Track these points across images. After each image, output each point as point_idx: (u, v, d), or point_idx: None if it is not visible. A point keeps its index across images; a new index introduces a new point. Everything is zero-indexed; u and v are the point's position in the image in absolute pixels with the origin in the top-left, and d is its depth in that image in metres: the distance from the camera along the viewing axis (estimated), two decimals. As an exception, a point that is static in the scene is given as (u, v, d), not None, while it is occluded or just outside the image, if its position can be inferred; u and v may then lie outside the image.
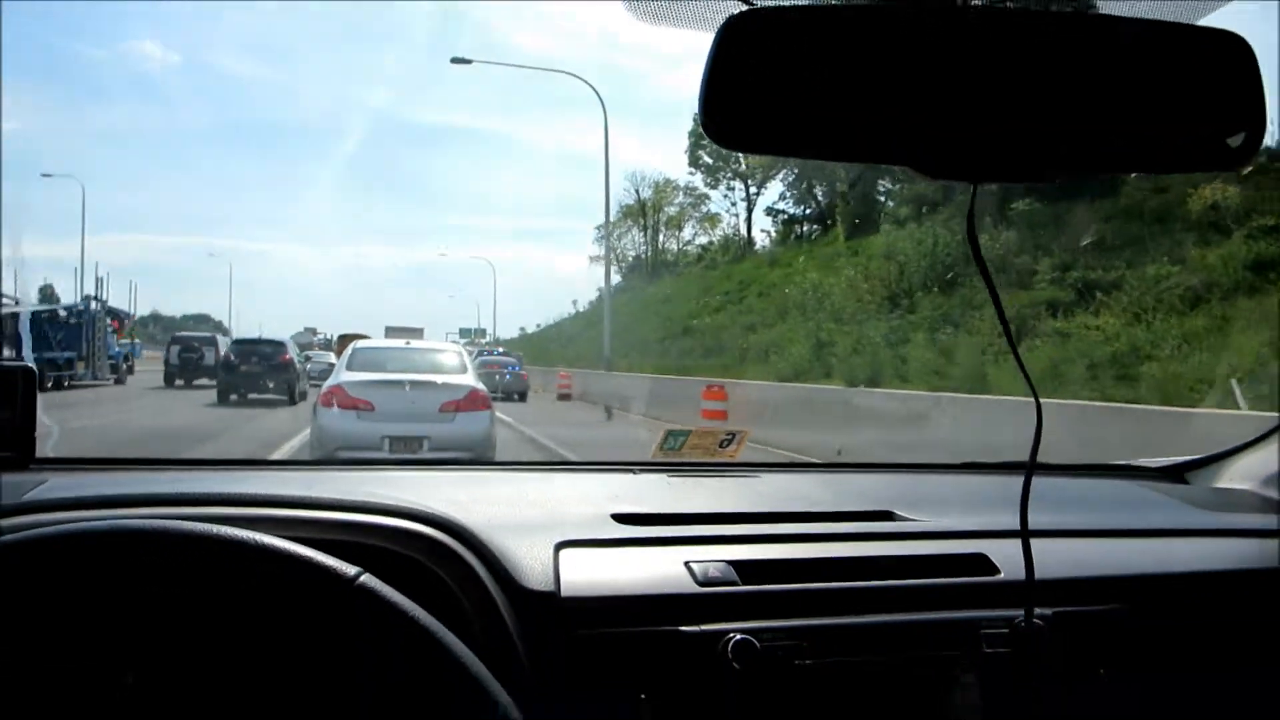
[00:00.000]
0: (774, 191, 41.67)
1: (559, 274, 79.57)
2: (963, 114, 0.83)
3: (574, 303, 57.04)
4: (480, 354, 31.92)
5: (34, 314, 21.84)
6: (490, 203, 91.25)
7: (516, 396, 25.31)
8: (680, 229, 56.84)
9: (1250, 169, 13.47)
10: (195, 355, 22.99)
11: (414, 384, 8.87)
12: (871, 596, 1.25)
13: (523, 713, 0.85)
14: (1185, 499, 1.71)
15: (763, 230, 42.38)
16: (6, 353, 13.75)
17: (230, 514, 1.16)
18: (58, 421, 12.00)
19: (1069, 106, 0.84)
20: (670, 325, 29.60)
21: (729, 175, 43.34)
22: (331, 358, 15.89)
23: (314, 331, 43.12)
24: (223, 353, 20.46)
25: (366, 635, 0.88)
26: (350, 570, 0.90)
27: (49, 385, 19.95)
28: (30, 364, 1.32)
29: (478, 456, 8.38)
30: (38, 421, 1.28)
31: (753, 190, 43.40)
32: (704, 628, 1.17)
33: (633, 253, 54.35)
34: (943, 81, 0.83)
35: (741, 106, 0.82)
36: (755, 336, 21.17)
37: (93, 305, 23.96)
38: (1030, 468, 1.10)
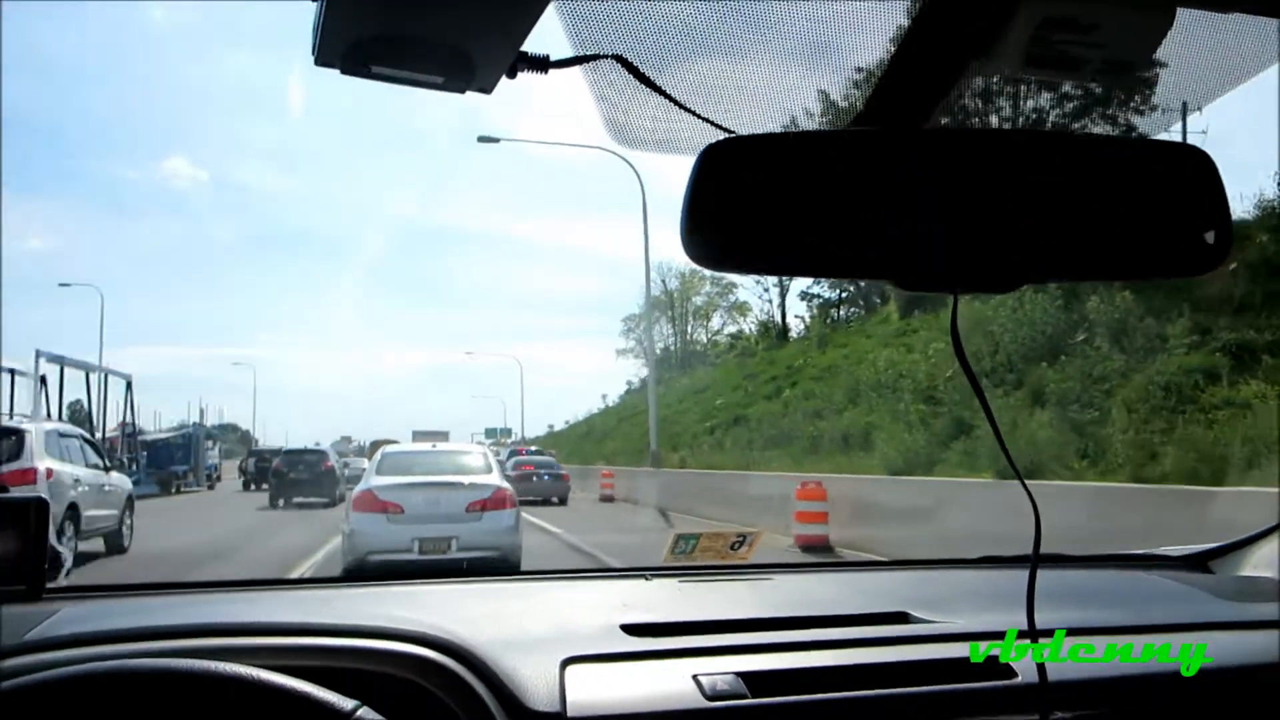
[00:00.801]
0: (808, 275, 40.13)
1: (583, 371, 79.48)
2: (938, 229, 0.84)
3: (603, 397, 55.96)
4: (513, 454, 29.67)
5: (162, 438, 29.07)
6: (513, 303, 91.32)
7: (556, 500, 23.01)
8: (708, 319, 55.92)
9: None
10: (268, 465, 26.08)
11: (441, 485, 9.01)
12: (885, 706, 1.22)
13: None
14: (1209, 589, 1.67)
15: (796, 316, 40.95)
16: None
17: (237, 644, 1.18)
18: (183, 512, 18.69)
19: (1040, 219, 0.86)
20: (718, 415, 27.44)
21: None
22: (365, 463, 16.37)
23: (349, 440, 47.30)
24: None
25: None
26: (348, 705, 0.94)
27: (173, 491, 25.72)
28: (45, 495, 1.31)
29: (505, 553, 8.67)
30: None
31: (785, 276, 42.07)
32: None
33: (661, 344, 53.29)
34: (916, 199, 0.84)
35: (722, 228, 0.84)
36: (825, 423, 18.95)
37: (197, 429, 31.04)
38: (1034, 565, 1.08)
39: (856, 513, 11.28)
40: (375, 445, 20.42)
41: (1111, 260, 0.89)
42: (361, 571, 8.24)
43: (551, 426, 58.16)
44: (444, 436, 31.45)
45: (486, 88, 1.01)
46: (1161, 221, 0.87)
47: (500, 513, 8.98)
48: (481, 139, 24.85)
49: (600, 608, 1.44)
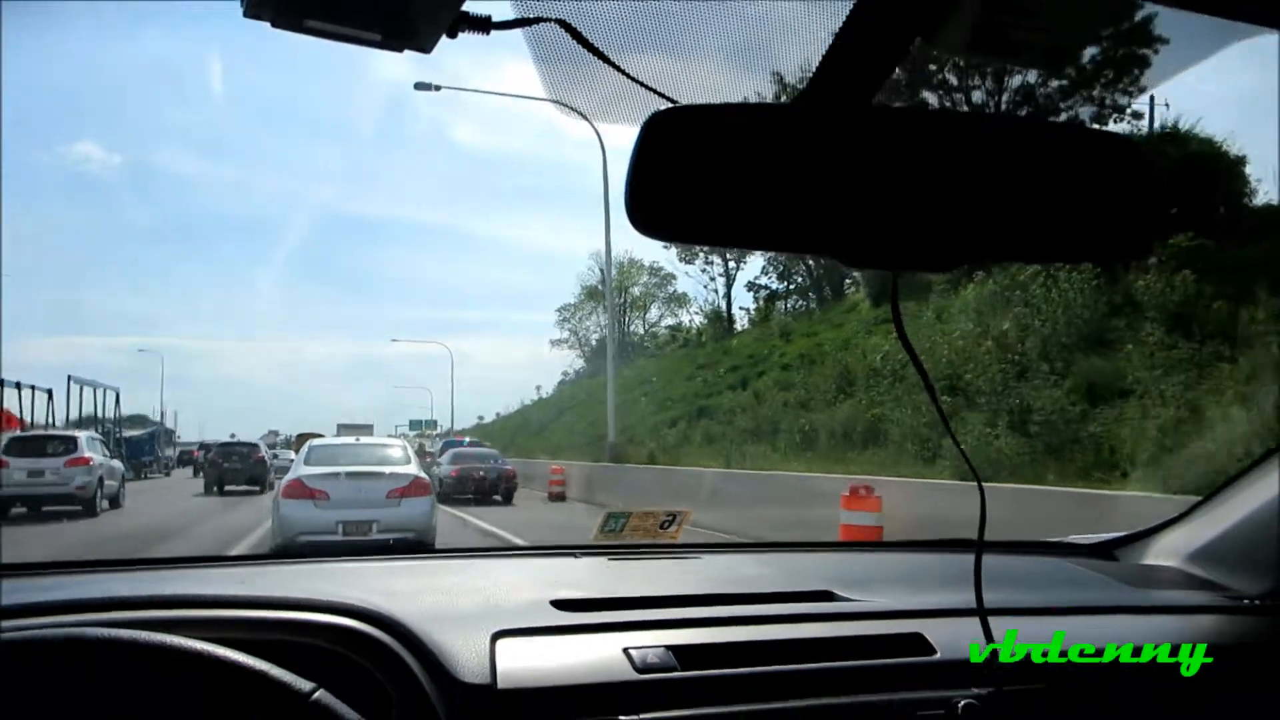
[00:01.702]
0: (755, 266, 38.23)
1: (514, 362, 76.07)
2: (879, 206, 0.86)
3: (538, 388, 53.07)
4: (448, 445, 26.62)
5: (135, 435, 34.62)
6: (440, 293, 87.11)
7: (499, 498, 20.30)
8: (646, 309, 53.69)
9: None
10: None
11: (363, 475, 9.92)
12: (810, 679, 1.26)
13: None
14: (1115, 576, 1.74)
15: (741, 307, 39.07)
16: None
17: (176, 616, 1.18)
18: (149, 491, 24.90)
19: (978, 200, 0.87)
20: (677, 406, 25.10)
21: (706, 250, 40.19)
22: (293, 454, 16.54)
23: (276, 434, 48.34)
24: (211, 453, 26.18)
25: None
26: (305, 686, 0.94)
27: (143, 476, 30.93)
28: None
29: (421, 535, 9.63)
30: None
31: (732, 265, 40.40)
32: (643, 716, 1.16)
33: (596, 335, 50.87)
34: (858, 176, 0.85)
35: (665, 197, 0.84)
36: (818, 415, 16.78)
37: (159, 429, 39.54)
38: (979, 547, 1.16)
39: (922, 530, 9.04)
40: (302, 438, 22.33)
41: (1045, 243, 0.93)
42: (290, 550, 8.63)
43: (481, 418, 55.13)
44: (368, 430, 32.35)
45: (426, 47, 1.00)
46: (1093, 208, 0.89)
47: (417, 499, 9.97)
48: (419, 86, 22.56)
49: (530, 584, 1.47)
